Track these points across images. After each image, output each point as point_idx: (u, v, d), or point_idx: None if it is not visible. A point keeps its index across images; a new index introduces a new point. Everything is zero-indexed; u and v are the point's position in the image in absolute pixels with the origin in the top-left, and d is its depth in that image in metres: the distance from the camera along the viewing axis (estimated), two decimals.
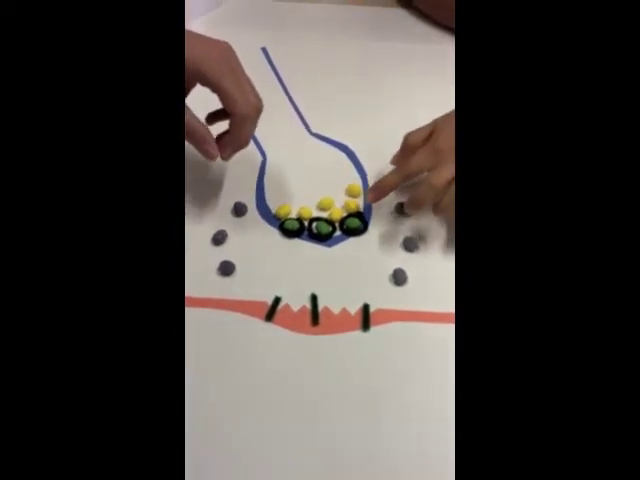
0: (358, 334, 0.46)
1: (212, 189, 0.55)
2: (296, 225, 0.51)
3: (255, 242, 0.51)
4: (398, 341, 0.45)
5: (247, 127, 0.46)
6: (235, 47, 0.68)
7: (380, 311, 0.47)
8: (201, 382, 0.42)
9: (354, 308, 0.47)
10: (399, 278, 0.48)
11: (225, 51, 0.45)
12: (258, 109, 0.46)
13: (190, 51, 0.43)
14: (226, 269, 0.48)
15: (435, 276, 0.49)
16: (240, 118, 0.45)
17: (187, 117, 0.45)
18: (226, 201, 0.53)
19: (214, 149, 0.47)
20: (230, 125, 0.47)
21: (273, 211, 0.53)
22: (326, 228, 0.51)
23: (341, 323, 0.46)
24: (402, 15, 0.75)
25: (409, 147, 0.49)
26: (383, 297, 0.47)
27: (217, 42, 0.46)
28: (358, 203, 0.54)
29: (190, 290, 0.46)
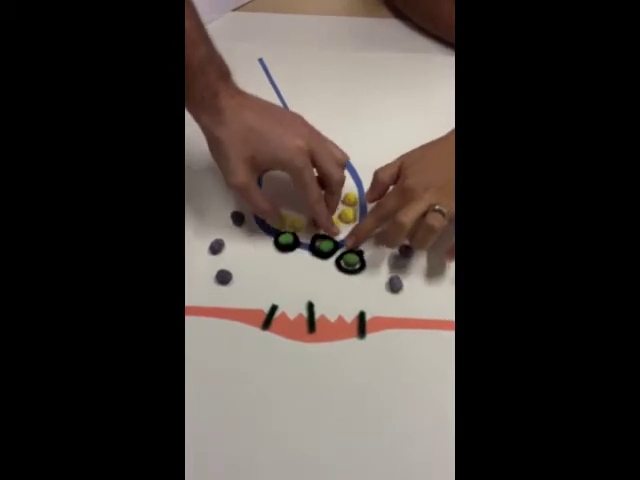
0: (354, 341, 0.46)
1: (210, 198, 0.55)
2: (290, 239, 0.51)
3: (252, 251, 0.51)
4: (394, 348, 0.46)
5: (340, 189, 0.50)
6: (233, 58, 0.69)
7: (376, 319, 0.47)
8: (198, 390, 0.42)
9: (350, 316, 0.47)
10: (395, 286, 0.48)
11: (305, 139, 0.47)
12: (343, 166, 0.50)
13: (271, 143, 0.46)
14: (223, 278, 0.49)
15: (430, 284, 0.49)
16: (335, 186, 0.49)
17: (255, 199, 0.48)
18: (223, 210, 0.54)
19: (278, 222, 0.51)
20: (326, 195, 0.50)
21: (271, 225, 0.53)
22: (327, 246, 0.51)
23: (337, 331, 0.46)
24: (398, 26, 0.76)
25: (378, 183, 0.50)
26: (379, 305, 0.48)
27: (298, 130, 0.47)
28: (355, 211, 0.54)
29: (187, 299, 0.47)
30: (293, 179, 0.47)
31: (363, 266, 0.50)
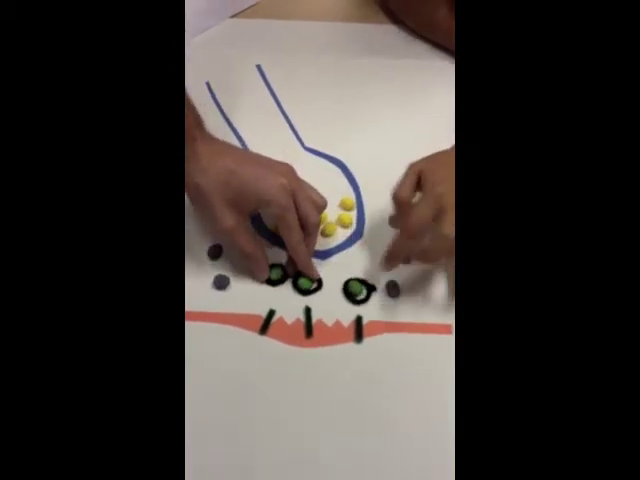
0: (351, 346, 0.46)
1: None
2: (279, 274, 0.50)
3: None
4: (391, 352, 0.46)
5: (316, 232, 0.49)
6: (230, 65, 0.69)
7: (373, 323, 0.47)
8: (196, 395, 0.42)
9: (347, 320, 0.47)
10: (392, 290, 0.49)
11: (286, 177, 0.46)
12: (323, 209, 0.49)
13: (254, 183, 0.45)
14: (221, 283, 0.49)
15: (428, 288, 0.50)
16: (312, 228, 0.48)
17: (244, 244, 0.47)
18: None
19: (265, 271, 0.49)
20: (305, 237, 0.48)
21: (268, 226, 0.53)
22: (307, 284, 0.49)
23: (334, 335, 0.47)
24: (396, 32, 0.76)
25: (402, 203, 0.46)
26: (376, 309, 0.48)
27: (279, 170, 0.47)
28: (351, 217, 0.55)
29: (185, 304, 0.47)
30: (277, 218, 0.47)
31: (368, 297, 0.49)
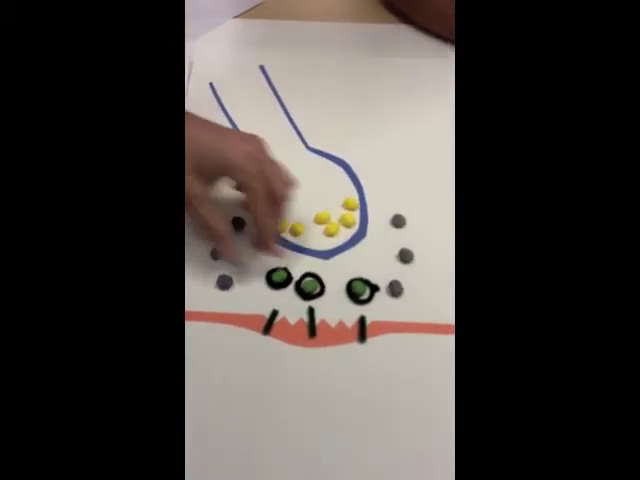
0: (355, 346, 0.46)
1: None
2: (284, 276, 0.49)
3: (252, 256, 0.51)
4: (394, 352, 0.46)
5: (284, 206, 0.47)
6: (234, 65, 0.69)
7: (376, 323, 0.47)
8: (198, 395, 0.42)
9: (351, 320, 0.47)
10: (395, 290, 0.48)
11: (254, 146, 0.45)
12: (291, 187, 0.47)
13: (220, 148, 0.44)
14: (224, 283, 0.49)
15: (431, 287, 0.49)
16: (280, 202, 0.46)
17: (207, 214, 0.45)
18: (224, 215, 0.54)
19: (231, 249, 0.47)
20: (273, 210, 0.46)
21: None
22: (312, 285, 0.49)
23: (338, 335, 0.46)
24: (400, 30, 0.76)
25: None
26: (379, 309, 0.48)
27: (247, 138, 0.46)
28: (355, 216, 0.54)
29: (188, 304, 0.47)
30: (243, 187, 0.45)
31: (372, 297, 0.49)
